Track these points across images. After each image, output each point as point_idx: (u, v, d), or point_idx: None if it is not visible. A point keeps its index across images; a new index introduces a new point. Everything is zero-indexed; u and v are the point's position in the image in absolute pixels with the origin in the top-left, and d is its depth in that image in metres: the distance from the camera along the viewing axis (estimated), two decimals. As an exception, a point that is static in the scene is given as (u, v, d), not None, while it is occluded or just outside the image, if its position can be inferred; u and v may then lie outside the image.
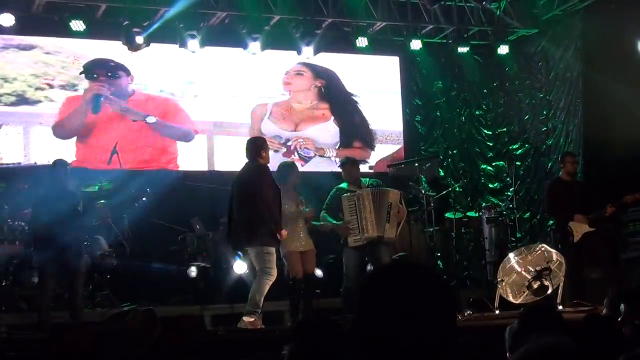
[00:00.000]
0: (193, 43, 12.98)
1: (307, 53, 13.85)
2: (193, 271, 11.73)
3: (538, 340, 2.41)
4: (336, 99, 15.00)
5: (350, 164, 10.45)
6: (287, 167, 10.29)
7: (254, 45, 13.42)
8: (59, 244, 9.20)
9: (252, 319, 8.94)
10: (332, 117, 14.87)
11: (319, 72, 14.80)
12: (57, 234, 9.19)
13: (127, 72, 13.60)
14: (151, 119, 13.53)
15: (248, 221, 9.19)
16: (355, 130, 15.06)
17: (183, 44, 13.05)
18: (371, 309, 2.11)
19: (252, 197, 9.19)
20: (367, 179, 10.50)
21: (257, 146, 9.48)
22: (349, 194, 10.08)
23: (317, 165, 14.28)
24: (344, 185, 10.31)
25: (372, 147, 15.06)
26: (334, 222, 10.07)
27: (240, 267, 10.86)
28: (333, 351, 3.22)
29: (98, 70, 13.43)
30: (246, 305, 9.16)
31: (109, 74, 13.49)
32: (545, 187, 12.13)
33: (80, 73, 13.34)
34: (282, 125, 14.56)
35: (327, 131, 14.82)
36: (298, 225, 9.82)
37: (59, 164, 9.90)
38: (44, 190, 9.82)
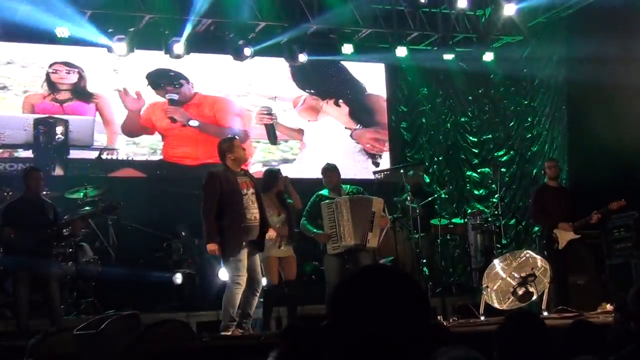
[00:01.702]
0: (177, 48, 13.05)
1: (295, 60, 13.94)
2: (178, 278, 11.68)
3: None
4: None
5: (331, 170, 10.38)
6: (270, 175, 10.19)
7: (247, 51, 13.47)
8: (28, 251, 9.17)
9: (229, 333, 8.83)
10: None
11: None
12: (25, 241, 9.17)
13: (187, 80, 14.13)
14: (194, 122, 14.04)
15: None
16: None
17: (168, 50, 13.11)
18: (343, 312, 2.10)
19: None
20: (348, 186, 10.43)
21: (221, 150, 9.15)
22: (328, 201, 10.03)
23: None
24: (324, 192, 10.26)
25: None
26: (315, 230, 10.03)
27: (224, 274, 10.71)
28: (320, 356, 3.19)
29: (163, 80, 14.01)
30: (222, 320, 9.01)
31: (174, 83, 14.06)
32: (531, 193, 12.16)
33: (147, 85, 13.80)
34: (305, 116, 14.89)
35: (343, 114, 15.18)
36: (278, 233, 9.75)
37: (30, 170, 9.87)
38: (15, 197, 9.79)
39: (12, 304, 9.95)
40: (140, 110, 13.77)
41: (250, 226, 8.88)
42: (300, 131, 14.76)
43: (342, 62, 15.20)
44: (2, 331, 9.73)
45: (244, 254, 8.83)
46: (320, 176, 10.44)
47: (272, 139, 14.40)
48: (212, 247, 8.73)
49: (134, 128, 13.77)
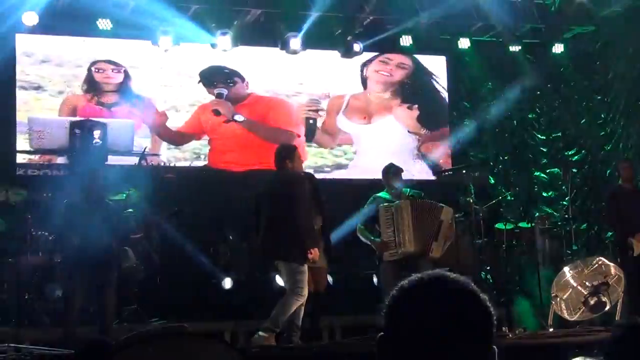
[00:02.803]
0: (224, 40, 13.11)
1: (349, 53, 13.92)
2: (227, 282, 11.72)
3: None
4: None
5: (393, 171, 10.30)
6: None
7: (295, 43, 13.45)
8: (89, 257, 9.25)
9: (267, 335, 8.85)
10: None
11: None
12: (87, 246, 9.25)
13: (242, 79, 14.18)
14: (239, 117, 14.04)
15: (281, 234, 9.08)
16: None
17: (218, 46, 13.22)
18: (399, 323, 2.10)
19: (288, 209, 9.05)
20: (408, 189, 10.33)
21: (280, 156, 9.34)
22: (386, 204, 9.94)
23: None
24: (382, 194, 10.17)
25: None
26: (372, 237, 9.97)
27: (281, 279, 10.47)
28: None
29: (217, 78, 14.09)
30: (266, 321, 8.96)
31: (228, 80, 14.14)
32: (604, 196, 12.05)
33: (198, 82, 13.92)
34: (355, 119, 14.85)
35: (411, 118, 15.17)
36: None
37: (96, 170, 9.93)
38: (76, 198, 9.82)
39: (61, 310, 10.05)
40: (164, 122, 13.78)
41: None
42: (344, 134, 14.77)
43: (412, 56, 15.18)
44: (42, 339, 9.84)
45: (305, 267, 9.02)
46: (375, 177, 10.42)
47: (310, 135, 14.40)
48: (317, 252, 9.02)
49: (173, 138, 13.85)
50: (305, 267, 8.94)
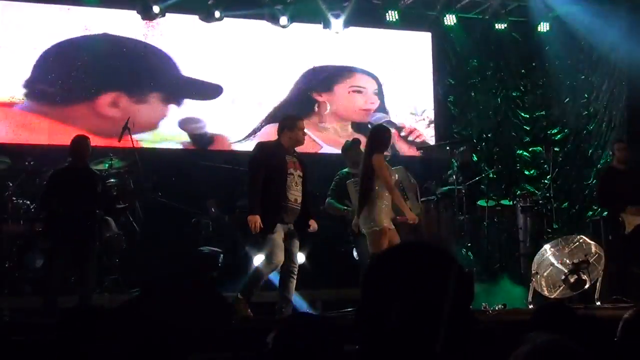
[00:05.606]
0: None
1: (336, 27, 13.80)
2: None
3: (535, 340, 2.36)
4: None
5: (349, 147, 10.38)
6: None
7: (282, 19, 13.38)
8: (74, 225, 9.18)
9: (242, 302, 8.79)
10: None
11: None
12: (72, 215, 9.18)
13: None
14: None
15: None
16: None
17: (209, 16, 13.13)
18: (375, 294, 2.06)
19: None
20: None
21: (281, 126, 9.32)
22: (353, 178, 9.93)
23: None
24: (345, 170, 10.29)
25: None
26: (342, 208, 10.04)
27: (260, 259, 10.33)
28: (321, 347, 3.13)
29: None
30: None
31: None
32: (598, 176, 12.10)
33: None
34: None
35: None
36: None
37: (82, 140, 9.80)
38: (62, 167, 9.73)
39: (42, 279, 9.96)
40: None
41: (290, 207, 8.98)
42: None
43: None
44: (22, 308, 9.78)
45: (279, 233, 8.89)
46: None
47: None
48: (253, 218, 8.75)
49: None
50: (274, 234, 8.81)
